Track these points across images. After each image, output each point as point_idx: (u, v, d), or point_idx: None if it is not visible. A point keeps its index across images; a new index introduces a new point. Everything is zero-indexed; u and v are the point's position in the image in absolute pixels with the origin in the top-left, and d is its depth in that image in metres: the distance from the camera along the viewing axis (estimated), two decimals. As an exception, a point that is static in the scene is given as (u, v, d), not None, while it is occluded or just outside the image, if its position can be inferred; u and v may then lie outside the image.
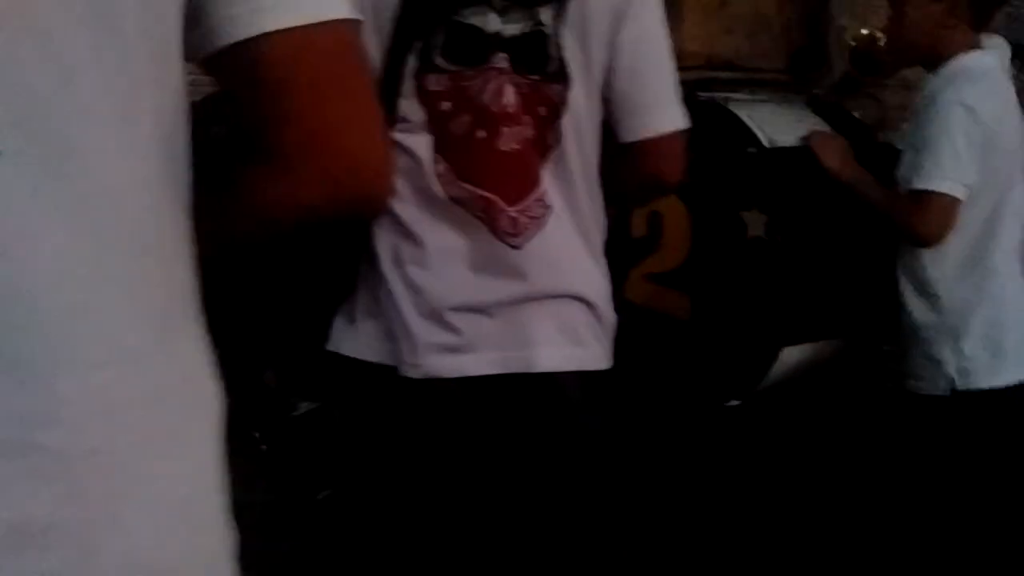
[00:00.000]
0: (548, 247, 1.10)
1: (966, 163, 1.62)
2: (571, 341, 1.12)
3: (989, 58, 1.71)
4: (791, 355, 1.77)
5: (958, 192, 1.62)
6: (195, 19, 0.52)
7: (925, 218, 1.63)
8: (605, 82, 1.13)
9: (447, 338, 1.07)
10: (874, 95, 3.72)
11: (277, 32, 0.52)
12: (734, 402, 1.80)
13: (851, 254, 1.82)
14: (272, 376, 1.38)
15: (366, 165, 0.57)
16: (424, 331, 1.06)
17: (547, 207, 1.10)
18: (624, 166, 1.17)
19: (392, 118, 1.04)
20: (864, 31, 3.07)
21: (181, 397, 0.53)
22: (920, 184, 1.63)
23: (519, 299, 1.09)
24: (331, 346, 1.10)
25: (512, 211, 1.08)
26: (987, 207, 1.67)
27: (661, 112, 1.15)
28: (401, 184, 1.06)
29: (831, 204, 1.78)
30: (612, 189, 1.17)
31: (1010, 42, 2.06)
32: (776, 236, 1.75)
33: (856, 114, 2.20)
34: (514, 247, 1.09)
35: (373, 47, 1.03)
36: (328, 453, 1.23)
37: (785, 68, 3.83)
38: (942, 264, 1.66)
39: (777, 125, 1.87)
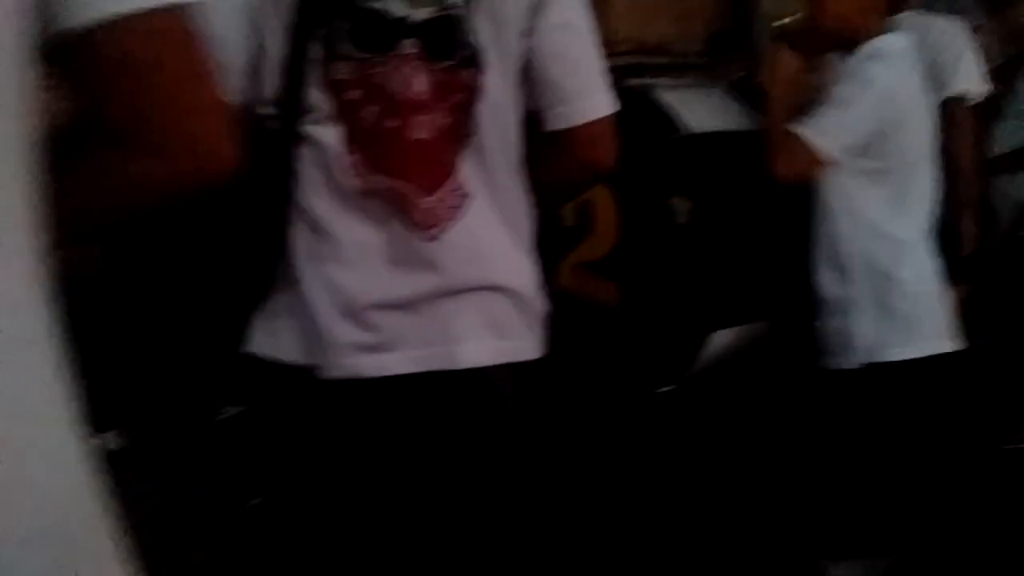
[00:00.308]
0: (468, 238, 1.07)
1: (847, 128, 1.66)
2: (496, 334, 1.09)
3: (902, 41, 1.76)
4: (720, 339, 1.80)
5: (830, 146, 1.65)
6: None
7: (786, 156, 1.66)
8: (528, 69, 1.10)
9: (367, 336, 1.03)
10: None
11: (112, 19, 0.56)
12: (667, 388, 1.81)
13: (775, 236, 1.85)
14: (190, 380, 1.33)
15: (200, 141, 0.62)
16: (343, 330, 1.03)
17: (465, 196, 1.07)
18: (553, 155, 1.14)
19: (299, 108, 1.00)
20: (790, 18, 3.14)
21: None
22: (800, 128, 1.66)
23: (438, 293, 1.06)
24: (250, 348, 1.06)
25: (427, 202, 1.04)
26: (896, 185, 1.71)
27: (591, 98, 1.13)
28: (313, 177, 1.02)
29: (754, 188, 1.81)
30: (539, 180, 1.14)
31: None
32: (701, 222, 1.77)
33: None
34: (431, 239, 1.05)
35: (275, 34, 0.99)
36: (255, 459, 1.19)
37: (704, 52, 3.88)
38: (853, 239, 1.71)
39: (701, 111, 1.88)
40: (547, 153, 1.14)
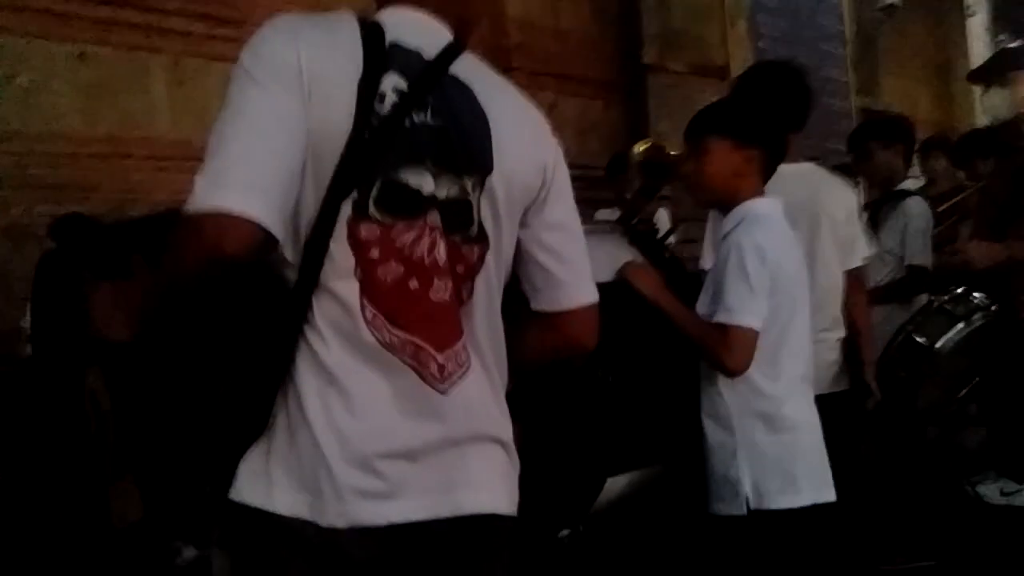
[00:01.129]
0: (469, 394, 1.13)
1: (760, 298, 1.81)
2: (494, 484, 1.15)
3: (771, 204, 1.94)
4: (616, 484, 1.86)
5: (756, 324, 1.80)
6: None
7: (731, 350, 1.80)
8: (522, 254, 1.23)
9: (374, 485, 1.06)
10: (670, 197, 4.08)
11: None
12: (564, 532, 1.85)
13: (667, 384, 1.95)
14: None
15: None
16: (351, 478, 1.05)
17: (468, 356, 1.15)
18: (539, 331, 1.26)
19: (321, 260, 1.06)
20: (643, 145, 3.38)
21: None
22: (725, 319, 1.80)
23: (445, 442, 1.11)
24: (237, 495, 1.06)
25: (440, 358, 1.11)
26: (773, 337, 1.86)
27: (579, 288, 1.26)
28: (326, 330, 1.07)
29: (646, 339, 1.92)
30: (523, 350, 1.23)
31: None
32: (602, 373, 1.85)
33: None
34: (441, 392, 1.11)
35: (309, 191, 1.05)
36: None
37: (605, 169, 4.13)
38: (733, 389, 1.83)
39: (594, 260, 2.00)
40: (533, 328, 1.25)
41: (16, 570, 1.49)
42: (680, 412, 1.94)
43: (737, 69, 4.68)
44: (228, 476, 1.07)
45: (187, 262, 1.01)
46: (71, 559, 1.41)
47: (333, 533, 1.05)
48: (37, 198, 3.46)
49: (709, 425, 1.85)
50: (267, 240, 1.01)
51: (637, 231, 2.40)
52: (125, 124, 3.69)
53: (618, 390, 1.88)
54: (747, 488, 1.79)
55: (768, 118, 1.96)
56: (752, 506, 1.78)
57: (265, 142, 1.02)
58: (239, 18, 3.80)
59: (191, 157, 3.57)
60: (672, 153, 3.05)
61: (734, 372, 1.82)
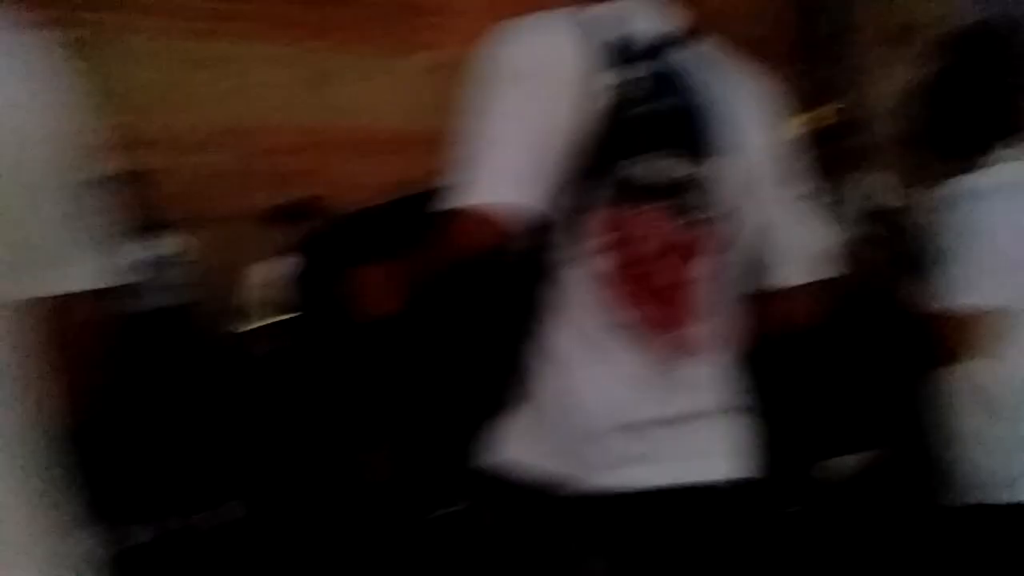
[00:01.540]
0: (710, 369, 1.20)
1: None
2: (737, 454, 1.21)
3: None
4: (843, 463, 1.84)
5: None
6: None
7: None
8: (753, 230, 1.26)
9: (633, 450, 1.14)
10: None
11: None
12: (793, 508, 1.84)
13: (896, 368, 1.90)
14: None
15: None
16: (610, 443, 1.13)
17: (713, 332, 1.21)
18: (767, 306, 1.29)
19: (565, 242, 1.15)
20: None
21: None
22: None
23: (693, 413, 1.18)
24: (499, 456, 1.16)
25: (688, 333, 1.18)
26: None
27: (811, 264, 1.30)
28: (581, 306, 1.15)
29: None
30: (747, 325, 1.28)
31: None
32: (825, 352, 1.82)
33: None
34: (675, 369, 1.17)
35: (561, 180, 1.14)
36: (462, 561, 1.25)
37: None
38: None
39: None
40: (761, 303, 1.28)
41: (278, 524, 1.60)
42: (908, 396, 1.88)
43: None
44: (488, 439, 1.17)
45: (457, 249, 1.13)
46: (329, 513, 1.52)
47: (591, 495, 1.12)
48: (260, 187, 3.79)
49: (964, 409, 1.76)
50: (526, 228, 1.12)
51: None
52: (337, 117, 3.97)
53: (844, 371, 1.86)
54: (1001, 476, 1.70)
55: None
56: (1005, 497, 1.69)
57: (516, 139, 1.12)
58: (437, 9, 3.97)
59: (396, 149, 3.75)
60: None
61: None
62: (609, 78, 1.15)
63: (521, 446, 1.16)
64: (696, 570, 1.18)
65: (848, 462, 1.86)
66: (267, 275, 3.52)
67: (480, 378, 1.20)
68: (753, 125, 1.25)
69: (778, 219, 1.28)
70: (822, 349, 1.84)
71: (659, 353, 1.17)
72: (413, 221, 1.36)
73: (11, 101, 0.71)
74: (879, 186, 3.84)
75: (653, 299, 1.18)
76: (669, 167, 1.18)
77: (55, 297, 0.74)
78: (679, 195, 1.19)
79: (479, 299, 1.23)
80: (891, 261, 1.91)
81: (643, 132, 1.17)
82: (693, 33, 1.23)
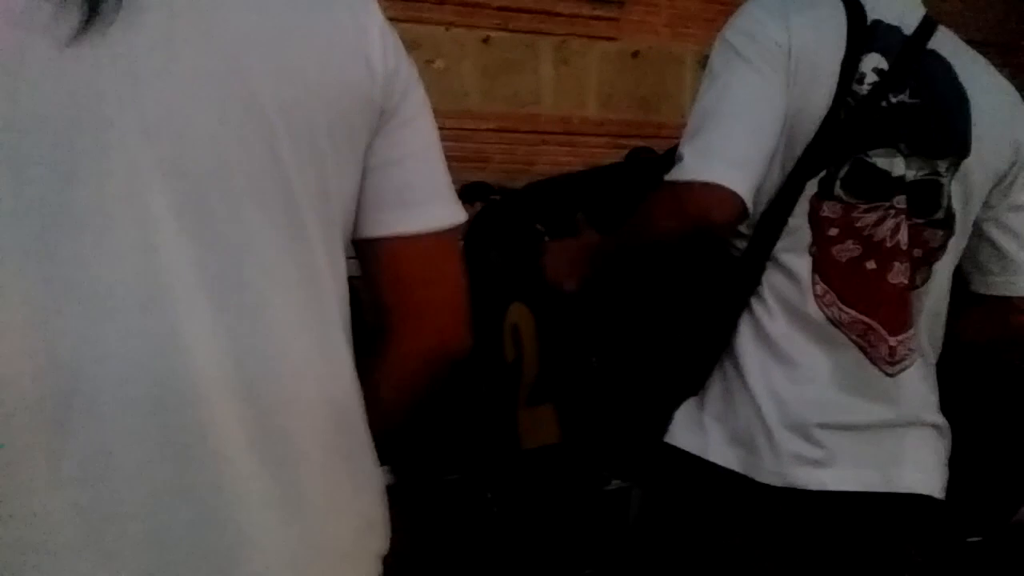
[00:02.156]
0: (914, 380, 1.14)
1: None
2: (929, 467, 1.15)
3: None
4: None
5: None
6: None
7: None
8: (977, 232, 1.19)
9: (812, 452, 1.09)
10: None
11: (403, 236, 0.78)
12: (975, 538, 1.68)
13: None
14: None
15: (454, 337, 0.82)
16: (789, 442, 1.08)
17: (919, 342, 1.15)
18: (981, 315, 1.22)
19: (777, 234, 1.09)
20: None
21: None
22: None
23: (887, 423, 1.12)
24: (673, 440, 1.14)
25: (892, 341, 1.11)
26: None
27: None
28: (773, 301, 1.11)
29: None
30: (956, 335, 1.21)
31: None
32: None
33: None
34: (888, 375, 1.12)
35: (776, 167, 1.09)
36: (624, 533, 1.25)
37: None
38: None
39: None
40: (976, 312, 1.21)
41: (430, 488, 1.66)
42: None
43: None
44: (660, 422, 1.14)
45: (668, 225, 1.08)
46: (482, 476, 1.54)
47: (765, 490, 1.08)
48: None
49: None
50: (744, 214, 1.06)
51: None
52: (515, 102, 4.05)
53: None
54: None
55: None
56: None
57: (752, 120, 1.06)
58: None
59: (570, 132, 3.82)
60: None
61: None
62: (858, 64, 1.08)
63: (697, 431, 1.12)
64: None
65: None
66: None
67: (670, 357, 1.16)
68: (998, 126, 1.15)
69: (1015, 226, 1.19)
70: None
71: (858, 357, 1.11)
72: (600, 199, 1.34)
73: None
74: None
75: (883, 299, 1.11)
76: (904, 164, 1.10)
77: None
78: (911, 195, 1.11)
79: (663, 282, 1.19)
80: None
81: (884, 125, 1.09)
82: (936, 24, 1.15)
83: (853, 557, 1.11)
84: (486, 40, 3.96)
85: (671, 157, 1.14)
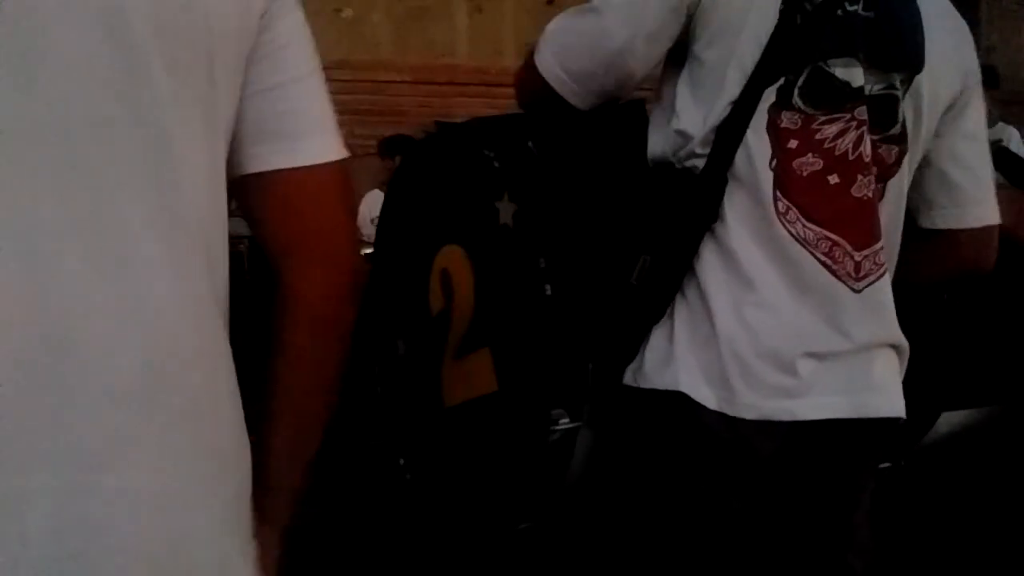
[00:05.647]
0: (879, 297, 1.11)
1: None
2: (894, 389, 1.14)
3: None
4: (950, 419, 1.74)
5: None
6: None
7: None
8: (927, 166, 1.17)
9: (786, 381, 1.06)
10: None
11: (289, 170, 0.74)
12: (886, 464, 1.76)
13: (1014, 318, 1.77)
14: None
15: (351, 264, 0.80)
16: (763, 372, 1.05)
17: (884, 258, 1.12)
18: (929, 250, 1.20)
19: (734, 149, 1.06)
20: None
21: None
22: None
23: (857, 344, 1.09)
24: (645, 380, 1.08)
25: (857, 256, 1.09)
26: None
27: (987, 204, 1.19)
28: (734, 221, 1.06)
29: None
30: (904, 269, 1.18)
31: None
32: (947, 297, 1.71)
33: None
34: (855, 291, 1.09)
35: (733, 77, 1.05)
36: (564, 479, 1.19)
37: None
38: None
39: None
40: (925, 246, 1.20)
41: (358, 451, 1.56)
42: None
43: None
44: (623, 354, 1.10)
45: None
46: (394, 441, 1.40)
47: (739, 423, 1.05)
48: (356, 122, 3.83)
49: None
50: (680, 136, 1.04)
51: (998, 149, 2.16)
52: (430, 53, 3.96)
53: (971, 319, 1.74)
54: None
55: None
56: None
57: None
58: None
59: (488, 83, 3.74)
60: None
61: None
62: None
63: (667, 365, 1.08)
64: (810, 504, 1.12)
65: (965, 416, 1.75)
66: (372, 207, 3.58)
67: (632, 282, 1.10)
68: (949, 50, 1.13)
69: (965, 155, 1.17)
70: (967, 298, 1.73)
71: (824, 275, 1.08)
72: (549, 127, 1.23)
73: None
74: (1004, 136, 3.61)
75: (847, 213, 1.08)
76: (862, 75, 1.08)
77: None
78: (870, 107, 1.08)
79: (641, 200, 1.12)
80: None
81: (841, 33, 1.06)
82: None
83: (818, 483, 1.11)
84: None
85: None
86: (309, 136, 0.77)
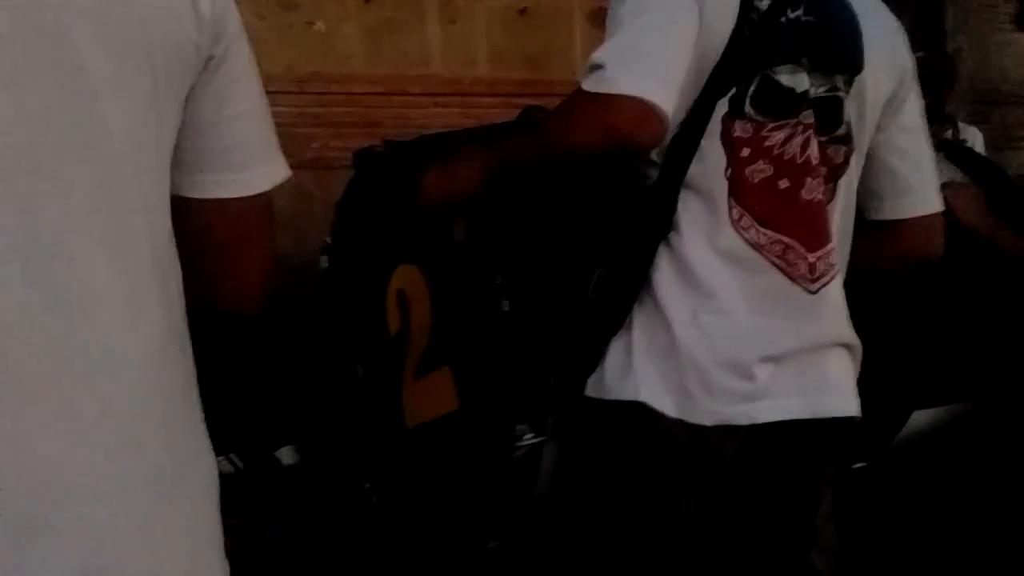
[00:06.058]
0: (833, 297, 1.14)
1: None
2: (848, 388, 1.16)
3: None
4: (921, 417, 1.74)
5: None
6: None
7: None
8: (870, 158, 1.20)
9: (744, 386, 1.08)
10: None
11: (221, 200, 0.78)
12: (859, 464, 1.77)
13: (986, 315, 1.79)
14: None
15: (250, 302, 0.84)
16: (722, 379, 1.07)
17: (837, 258, 1.15)
18: (879, 241, 1.23)
19: (689, 158, 1.07)
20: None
21: None
22: None
23: (813, 345, 1.12)
24: (606, 392, 1.09)
25: (811, 258, 1.11)
26: None
27: (929, 193, 1.23)
28: (689, 229, 1.08)
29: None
30: (857, 262, 1.21)
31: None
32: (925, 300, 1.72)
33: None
34: (810, 292, 1.11)
35: (688, 88, 1.05)
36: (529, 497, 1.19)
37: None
38: None
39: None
40: (872, 238, 1.22)
41: (324, 468, 1.54)
42: (999, 346, 1.77)
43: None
44: (583, 366, 1.10)
45: (586, 141, 1.00)
46: (358, 465, 1.41)
47: (699, 429, 1.07)
48: (331, 135, 3.83)
49: None
50: (663, 136, 1.01)
51: (954, 146, 2.18)
52: (403, 64, 3.95)
53: (940, 317, 1.75)
54: None
55: None
56: None
57: (672, 39, 1.02)
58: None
59: (462, 93, 3.73)
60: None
61: None
62: None
63: (626, 375, 1.08)
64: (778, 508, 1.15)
65: (936, 414, 1.76)
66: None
67: (588, 294, 1.09)
68: (885, 48, 1.17)
69: (906, 147, 1.21)
70: (922, 289, 1.74)
71: (780, 279, 1.10)
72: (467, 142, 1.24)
73: None
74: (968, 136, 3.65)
75: (799, 216, 1.10)
76: (807, 79, 1.10)
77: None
78: (816, 111, 1.11)
79: (594, 211, 1.12)
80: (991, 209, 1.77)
81: (785, 40, 1.09)
82: None
83: (779, 483, 1.13)
84: (367, 0, 3.85)
85: None
86: (251, 167, 0.79)
